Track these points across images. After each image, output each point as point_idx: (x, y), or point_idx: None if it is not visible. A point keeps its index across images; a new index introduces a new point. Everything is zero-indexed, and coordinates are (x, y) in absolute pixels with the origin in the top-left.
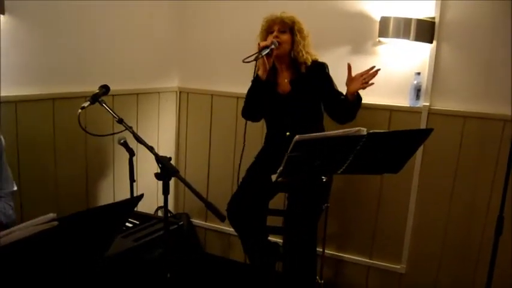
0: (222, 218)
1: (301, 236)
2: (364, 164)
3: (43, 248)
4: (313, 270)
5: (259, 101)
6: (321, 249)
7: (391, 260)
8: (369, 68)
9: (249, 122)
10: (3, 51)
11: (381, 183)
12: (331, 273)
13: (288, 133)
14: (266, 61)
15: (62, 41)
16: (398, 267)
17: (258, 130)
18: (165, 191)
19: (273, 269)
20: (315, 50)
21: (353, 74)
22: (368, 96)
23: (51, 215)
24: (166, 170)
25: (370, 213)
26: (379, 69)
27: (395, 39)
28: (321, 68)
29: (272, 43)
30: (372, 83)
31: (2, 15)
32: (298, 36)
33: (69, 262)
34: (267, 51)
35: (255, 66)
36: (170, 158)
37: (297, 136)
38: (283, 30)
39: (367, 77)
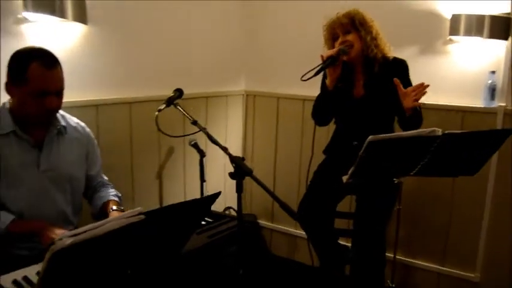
0: (294, 217)
1: (370, 239)
2: (439, 166)
3: (131, 239)
4: (381, 275)
5: (327, 108)
6: (392, 253)
7: (464, 268)
8: (419, 83)
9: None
10: (86, 58)
11: (453, 186)
12: (399, 279)
13: (355, 142)
14: (332, 71)
15: (137, 48)
16: (472, 275)
17: (325, 134)
18: (239, 190)
19: (342, 272)
20: None
21: (422, 74)
22: (439, 97)
23: (139, 209)
24: (240, 170)
25: (442, 218)
26: (428, 85)
27: (467, 37)
28: (399, 67)
29: (339, 51)
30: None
31: (84, 25)
32: (363, 31)
33: (153, 253)
34: (330, 61)
35: (324, 72)
36: (243, 159)
37: (370, 136)
38: (347, 30)
39: (418, 93)
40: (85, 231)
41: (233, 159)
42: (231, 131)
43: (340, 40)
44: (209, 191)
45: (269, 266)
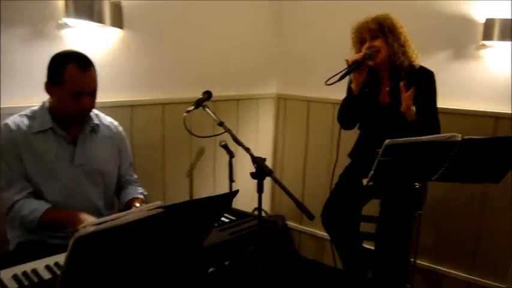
0: (311, 217)
1: (392, 244)
2: (460, 172)
3: (150, 230)
4: (403, 279)
5: (353, 112)
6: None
7: (494, 278)
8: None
9: (342, 134)
10: (122, 61)
11: (484, 192)
12: (426, 286)
13: (378, 150)
14: (358, 76)
15: (171, 52)
16: (504, 286)
17: (353, 137)
18: (259, 190)
19: (365, 275)
20: None
21: (454, 79)
22: (472, 103)
23: (158, 203)
24: (261, 170)
25: (472, 224)
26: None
27: (501, 42)
28: (425, 77)
29: (364, 55)
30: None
31: (121, 30)
32: (391, 37)
33: (171, 246)
34: (355, 66)
35: (345, 74)
36: (265, 159)
37: (387, 140)
38: (375, 35)
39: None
40: (107, 221)
41: (255, 160)
42: (261, 133)
43: (367, 45)
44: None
45: (295, 267)
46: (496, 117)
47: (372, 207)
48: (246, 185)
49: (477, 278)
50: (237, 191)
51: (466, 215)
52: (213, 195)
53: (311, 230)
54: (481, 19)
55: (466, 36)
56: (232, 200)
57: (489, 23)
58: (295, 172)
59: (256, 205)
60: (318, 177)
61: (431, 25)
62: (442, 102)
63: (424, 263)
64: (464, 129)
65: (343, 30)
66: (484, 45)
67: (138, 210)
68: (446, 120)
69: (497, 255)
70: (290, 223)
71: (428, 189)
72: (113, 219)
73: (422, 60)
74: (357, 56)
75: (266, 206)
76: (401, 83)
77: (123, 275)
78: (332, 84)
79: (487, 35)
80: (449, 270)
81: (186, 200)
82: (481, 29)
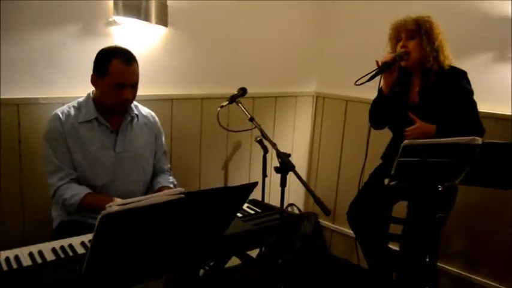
0: (327, 212)
1: (417, 246)
2: (484, 176)
3: (171, 214)
4: (428, 282)
5: (383, 113)
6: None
7: None
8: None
9: (376, 136)
10: (165, 57)
11: None
12: None
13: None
14: (388, 76)
15: (211, 49)
16: None
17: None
18: (282, 184)
19: (390, 276)
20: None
21: (495, 82)
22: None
23: (180, 189)
24: (284, 165)
25: (504, 233)
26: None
27: None
28: (457, 78)
29: (395, 57)
30: None
31: (165, 28)
32: (425, 40)
33: (190, 231)
34: (385, 67)
35: (380, 76)
36: (289, 155)
37: (405, 141)
38: (411, 36)
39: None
40: (131, 203)
41: (279, 154)
42: (298, 131)
43: (401, 43)
44: (272, 186)
45: (323, 265)
46: None
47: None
48: (278, 180)
49: None
50: (256, 182)
51: (500, 222)
52: (233, 185)
53: (342, 229)
54: None
55: (507, 37)
56: (251, 191)
57: None
58: (331, 170)
59: (289, 201)
60: (352, 176)
61: (473, 26)
62: (482, 106)
63: (453, 269)
64: (497, 133)
65: (384, 31)
66: None
67: (161, 194)
68: (489, 124)
69: None
70: (323, 221)
71: (459, 193)
72: (136, 201)
73: (461, 62)
74: (388, 58)
75: (300, 202)
76: (410, 114)
77: (142, 254)
78: (361, 84)
79: None
80: (480, 279)
81: (207, 189)
82: None
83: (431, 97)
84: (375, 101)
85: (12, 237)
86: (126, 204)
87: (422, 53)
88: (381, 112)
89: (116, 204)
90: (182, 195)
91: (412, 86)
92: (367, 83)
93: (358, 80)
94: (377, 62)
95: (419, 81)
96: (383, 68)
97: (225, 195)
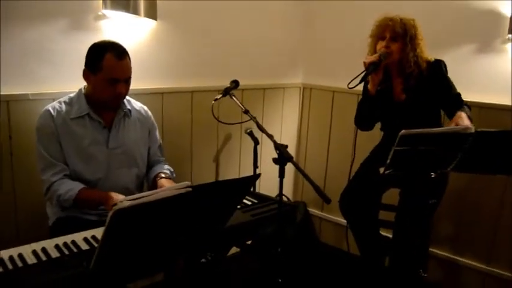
0: (328, 201)
1: (410, 232)
2: (475, 163)
3: (179, 207)
4: (419, 267)
5: (371, 113)
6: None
7: None
8: None
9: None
10: (154, 51)
11: (504, 185)
12: (442, 276)
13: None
14: (375, 76)
15: (200, 42)
16: None
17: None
18: (281, 175)
19: (382, 262)
20: (435, 49)
21: (479, 73)
22: (497, 97)
23: (187, 183)
24: (282, 156)
25: (491, 216)
26: None
27: None
28: (436, 69)
29: (380, 56)
30: None
31: (154, 21)
32: (409, 46)
33: (197, 222)
34: (373, 68)
35: (365, 76)
36: (287, 146)
37: (402, 131)
38: (396, 38)
39: None
40: (141, 197)
41: (277, 146)
42: (286, 121)
43: (384, 43)
44: (262, 177)
45: (314, 253)
46: None
47: (393, 196)
48: (269, 171)
49: (494, 270)
50: (259, 174)
51: (485, 206)
52: (237, 178)
53: (331, 217)
54: (507, 13)
55: (492, 30)
56: (254, 182)
57: None
58: (318, 160)
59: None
60: (339, 166)
61: (458, 19)
62: (466, 95)
63: (442, 253)
64: (488, 122)
65: (369, 24)
66: (509, 39)
67: (169, 188)
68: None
69: None
70: (311, 210)
71: (449, 180)
72: (146, 196)
73: (444, 54)
74: (373, 58)
75: (288, 192)
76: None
77: (150, 247)
78: (354, 87)
79: None
80: (467, 261)
81: (212, 181)
82: (507, 23)
83: (417, 93)
84: (362, 103)
85: (6, 235)
86: (136, 199)
87: (404, 56)
88: (370, 113)
89: (126, 200)
90: (189, 189)
91: (394, 83)
92: (356, 86)
93: (350, 83)
94: (364, 63)
95: (400, 80)
96: (371, 69)
97: (231, 186)
